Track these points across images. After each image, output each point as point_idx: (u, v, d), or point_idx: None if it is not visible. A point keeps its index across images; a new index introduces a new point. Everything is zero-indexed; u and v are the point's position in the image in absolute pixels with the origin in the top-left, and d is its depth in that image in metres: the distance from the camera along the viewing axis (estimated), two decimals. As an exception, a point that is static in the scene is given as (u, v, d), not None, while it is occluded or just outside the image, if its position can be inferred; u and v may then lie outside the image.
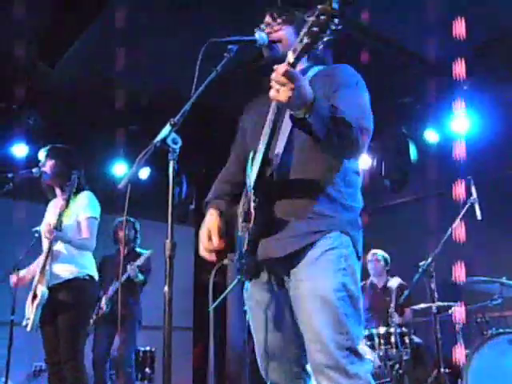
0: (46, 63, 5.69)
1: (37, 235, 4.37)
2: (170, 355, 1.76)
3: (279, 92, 1.79)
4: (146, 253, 5.77)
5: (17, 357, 4.62)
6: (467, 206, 4.50)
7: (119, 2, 4.89)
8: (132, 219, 6.01)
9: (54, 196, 4.39)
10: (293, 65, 1.82)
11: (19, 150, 6.72)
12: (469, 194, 4.56)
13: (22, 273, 4.37)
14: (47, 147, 4.36)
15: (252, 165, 2.17)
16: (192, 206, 8.52)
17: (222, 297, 2.17)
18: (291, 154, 2.13)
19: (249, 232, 2.08)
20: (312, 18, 1.74)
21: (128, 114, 6.41)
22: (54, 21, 5.20)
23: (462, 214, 4.53)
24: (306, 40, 1.77)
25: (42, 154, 4.32)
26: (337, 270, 2.03)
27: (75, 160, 4.34)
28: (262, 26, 2.30)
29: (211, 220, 2.24)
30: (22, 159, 6.59)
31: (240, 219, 2.16)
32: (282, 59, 2.26)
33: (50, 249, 4.02)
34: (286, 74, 1.76)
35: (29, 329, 4.00)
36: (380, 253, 6.09)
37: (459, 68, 5.37)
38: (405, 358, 4.95)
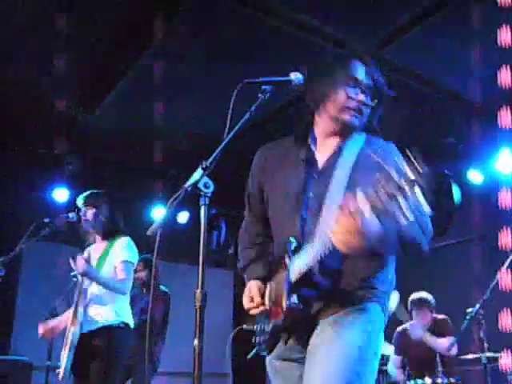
0: (85, 111, 5.79)
1: (75, 279, 4.31)
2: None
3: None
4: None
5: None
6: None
7: (156, 53, 4.95)
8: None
9: (93, 241, 4.32)
10: None
11: (60, 194, 6.82)
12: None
13: (52, 323, 4.16)
14: (86, 194, 4.28)
15: (298, 249, 1.98)
16: (231, 251, 8.44)
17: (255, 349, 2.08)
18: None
19: (279, 323, 2.01)
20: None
21: (167, 159, 6.43)
22: (93, 70, 5.32)
23: (508, 260, 4.32)
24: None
25: (80, 201, 4.25)
26: (361, 331, 1.96)
27: (115, 206, 4.30)
28: None
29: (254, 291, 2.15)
30: (63, 204, 6.66)
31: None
32: None
33: (81, 288, 3.94)
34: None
35: (60, 377, 3.85)
36: (426, 296, 5.35)
37: (504, 114, 5.26)
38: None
